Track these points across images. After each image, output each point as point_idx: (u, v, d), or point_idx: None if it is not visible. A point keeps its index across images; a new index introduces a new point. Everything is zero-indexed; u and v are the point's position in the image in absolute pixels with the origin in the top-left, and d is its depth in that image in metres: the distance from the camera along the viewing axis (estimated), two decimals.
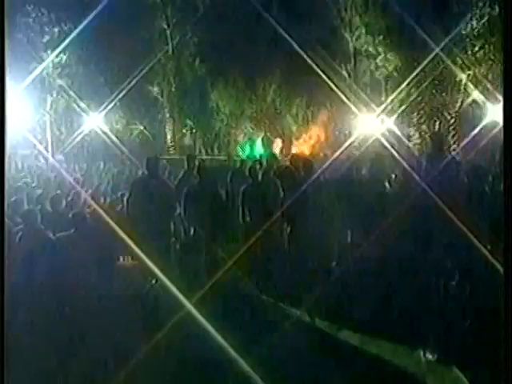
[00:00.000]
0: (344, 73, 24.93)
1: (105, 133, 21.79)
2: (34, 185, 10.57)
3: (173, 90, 28.78)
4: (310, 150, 28.37)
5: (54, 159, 17.66)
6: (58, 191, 9.51)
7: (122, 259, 6.08)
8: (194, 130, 30.35)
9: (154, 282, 6.45)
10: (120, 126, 28.85)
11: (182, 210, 6.93)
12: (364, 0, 23.42)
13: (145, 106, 28.11)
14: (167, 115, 29.31)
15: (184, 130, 30.25)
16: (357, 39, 23.84)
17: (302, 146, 28.75)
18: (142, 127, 29.98)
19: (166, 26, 27.55)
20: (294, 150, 28.67)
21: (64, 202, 7.28)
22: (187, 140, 30.32)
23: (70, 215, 6.85)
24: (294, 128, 28.82)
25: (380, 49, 21.91)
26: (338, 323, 6.19)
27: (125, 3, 22.84)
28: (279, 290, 6.96)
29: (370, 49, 22.79)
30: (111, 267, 5.76)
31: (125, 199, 6.80)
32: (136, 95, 25.01)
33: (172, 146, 29.20)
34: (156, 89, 28.51)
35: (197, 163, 7.67)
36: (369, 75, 23.71)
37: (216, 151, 29.15)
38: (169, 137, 29.40)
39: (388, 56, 21.35)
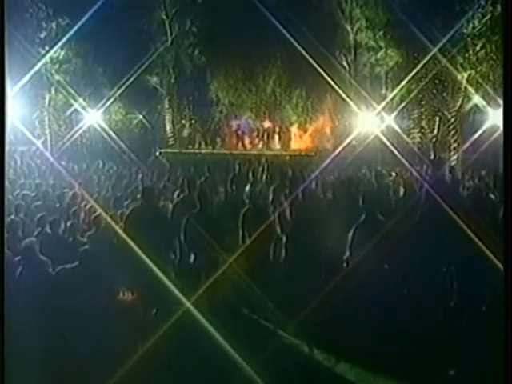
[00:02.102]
0: (344, 64, 24.83)
1: (104, 129, 21.80)
2: (33, 195, 10.55)
3: (172, 80, 28.67)
4: (310, 142, 28.37)
5: (53, 157, 17.65)
6: (58, 205, 9.58)
7: (122, 294, 6.10)
8: (193, 121, 30.27)
9: (154, 311, 6.49)
10: (119, 116, 28.81)
11: (183, 236, 6.94)
12: None
13: (144, 97, 27.97)
14: (166, 106, 29.23)
15: (183, 121, 30.18)
16: (357, 32, 23.69)
17: (302, 138, 28.73)
18: (141, 116, 29.91)
19: (164, 17, 27.34)
20: (294, 142, 28.69)
21: (63, 226, 7.28)
22: (186, 131, 30.26)
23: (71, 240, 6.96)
24: (294, 119, 28.74)
25: (380, 43, 21.78)
26: (335, 355, 6.23)
27: None
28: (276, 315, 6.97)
29: (371, 42, 22.64)
30: (111, 301, 5.77)
31: (121, 229, 6.78)
32: (135, 87, 24.89)
33: (171, 136, 29.16)
34: (155, 80, 28.40)
35: (197, 188, 7.60)
36: (369, 68, 23.59)
37: (215, 143, 29.06)
38: (168, 128, 29.35)
39: (388, 52, 21.22)
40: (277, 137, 28.29)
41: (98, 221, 7.30)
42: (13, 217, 7.86)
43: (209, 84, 29.08)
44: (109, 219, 7.73)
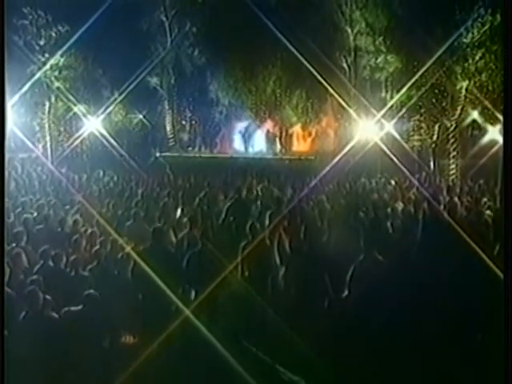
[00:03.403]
0: (344, 66, 24.81)
1: (103, 132, 21.87)
2: (35, 215, 10.59)
3: (172, 81, 28.70)
4: (310, 145, 28.42)
5: (53, 165, 17.74)
6: (59, 229, 9.61)
7: (124, 338, 6.18)
8: (193, 122, 30.31)
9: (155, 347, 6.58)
10: (119, 117, 28.78)
11: (184, 273, 7.03)
12: None
13: (144, 98, 27.93)
14: (166, 107, 29.24)
15: (183, 122, 30.23)
16: (357, 35, 23.69)
17: (302, 140, 28.77)
18: (141, 116, 29.88)
19: (164, 19, 27.34)
20: (294, 144, 28.74)
21: (65, 259, 7.36)
22: (186, 132, 30.32)
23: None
24: (294, 120, 28.76)
25: (381, 47, 21.79)
26: None
27: None
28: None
29: (371, 46, 22.64)
30: (113, 344, 5.86)
31: (130, 268, 6.87)
32: (136, 88, 24.86)
33: (171, 137, 29.21)
34: (156, 81, 28.40)
35: (201, 227, 7.67)
36: (369, 71, 23.59)
37: (215, 145, 29.13)
38: (168, 128, 29.39)
39: (388, 57, 21.25)
40: (277, 139, 28.33)
41: (99, 255, 7.40)
42: (14, 245, 7.93)
43: (209, 84, 29.08)
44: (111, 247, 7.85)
